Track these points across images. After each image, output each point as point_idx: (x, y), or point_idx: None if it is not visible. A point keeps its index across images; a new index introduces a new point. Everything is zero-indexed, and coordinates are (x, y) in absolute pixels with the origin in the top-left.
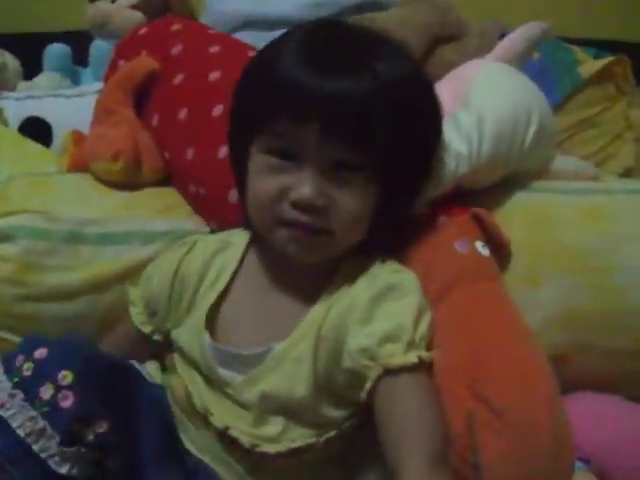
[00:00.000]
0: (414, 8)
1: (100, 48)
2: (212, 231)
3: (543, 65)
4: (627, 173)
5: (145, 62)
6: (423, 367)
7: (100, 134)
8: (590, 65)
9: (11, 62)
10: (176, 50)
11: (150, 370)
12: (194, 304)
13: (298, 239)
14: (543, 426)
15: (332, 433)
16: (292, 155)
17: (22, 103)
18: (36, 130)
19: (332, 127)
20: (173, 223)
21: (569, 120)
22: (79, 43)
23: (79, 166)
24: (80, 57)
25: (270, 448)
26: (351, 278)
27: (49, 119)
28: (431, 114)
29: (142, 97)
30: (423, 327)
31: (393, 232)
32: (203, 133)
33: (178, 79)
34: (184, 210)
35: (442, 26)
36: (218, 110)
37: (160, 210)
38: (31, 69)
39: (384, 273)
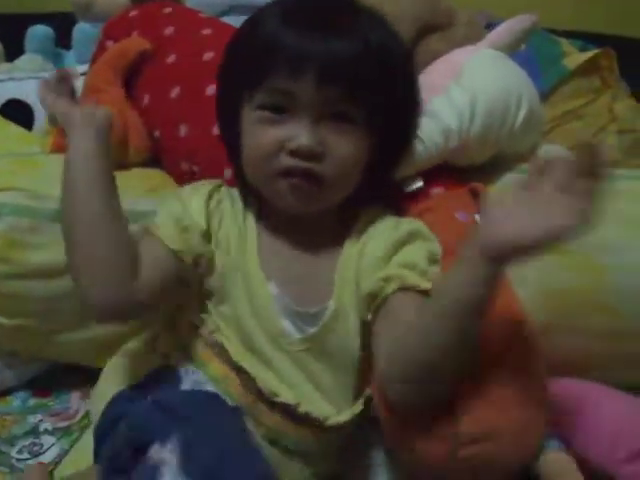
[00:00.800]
0: None
1: (83, 31)
2: None
3: (529, 56)
4: (610, 164)
5: (137, 42)
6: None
7: None
8: (576, 57)
9: None
10: (168, 31)
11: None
12: (229, 247)
13: (297, 187)
14: (519, 376)
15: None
16: (286, 109)
17: (3, 85)
18: (17, 112)
19: (327, 79)
20: (158, 202)
21: (554, 112)
22: (62, 25)
23: (63, 149)
24: (63, 40)
25: (340, 418)
26: (372, 225)
27: (30, 101)
28: (409, 81)
29: (132, 77)
30: (434, 269)
31: (392, 202)
32: (197, 111)
33: (171, 59)
34: (170, 190)
35: (431, 15)
36: (212, 89)
37: (146, 190)
38: (13, 51)
39: (404, 221)
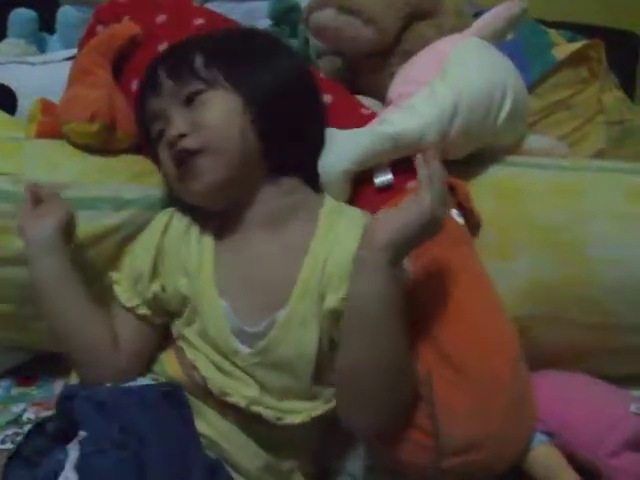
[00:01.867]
0: None
1: (67, 14)
2: None
3: (517, 46)
4: (598, 155)
5: (127, 27)
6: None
7: (76, 94)
8: (564, 48)
9: None
10: (160, 19)
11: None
12: (186, 269)
13: (187, 168)
14: (503, 385)
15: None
16: (163, 128)
17: None
18: (0, 97)
19: (169, 76)
20: (145, 190)
21: (542, 102)
22: (45, 9)
23: (47, 134)
24: (46, 23)
25: (295, 419)
26: (333, 229)
27: (13, 86)
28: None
29: (120, 62)
30: None
31: (366, 197)
32: None
33: (162, 46)
34: (155, 177)
35: (420, 3)
36: None
37: (132, 177)
38: None
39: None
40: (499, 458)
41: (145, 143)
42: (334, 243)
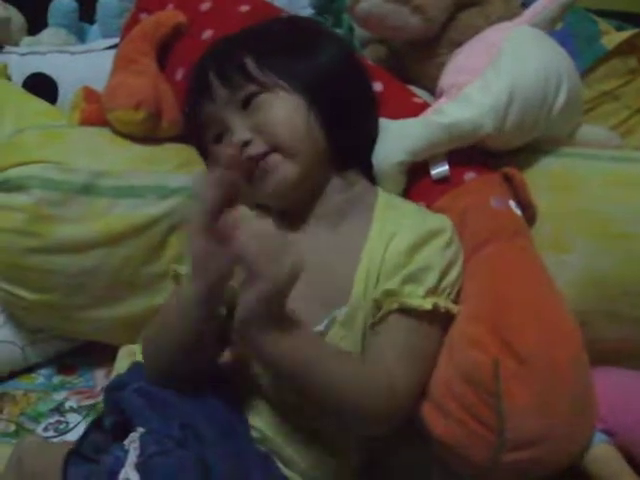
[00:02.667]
0: None
1: (108, 4)
2: None
3: (566, 35)
4: None
5: (172, 15)
6: (437, 316)
7: (121, 82)
8: (614, 37)
9: (15, 16)
10: (205, 7)
11: None
12: None
13: (260, 173)
14: (568, 380)
15: None
16: (222, 134)
17: (26, 59)
18: (41, 86)
19: (221, 83)
20: (189, 179)
21: (590, 92)
22: None
23: (91, 122)
24: (87, 13)
25: None
26: (388, 225)
27: (54, 75)
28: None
29: (164, 50)
30: (448, 280)
31: (422, 189)
32: None
33: (206, 34)
34: (200, 167)
35: None
36: None
37: (177, 166)
38: (36, 24)
39: (432, 216)
40: (560, 455)
41: (198, 145)
42: (389, 239)
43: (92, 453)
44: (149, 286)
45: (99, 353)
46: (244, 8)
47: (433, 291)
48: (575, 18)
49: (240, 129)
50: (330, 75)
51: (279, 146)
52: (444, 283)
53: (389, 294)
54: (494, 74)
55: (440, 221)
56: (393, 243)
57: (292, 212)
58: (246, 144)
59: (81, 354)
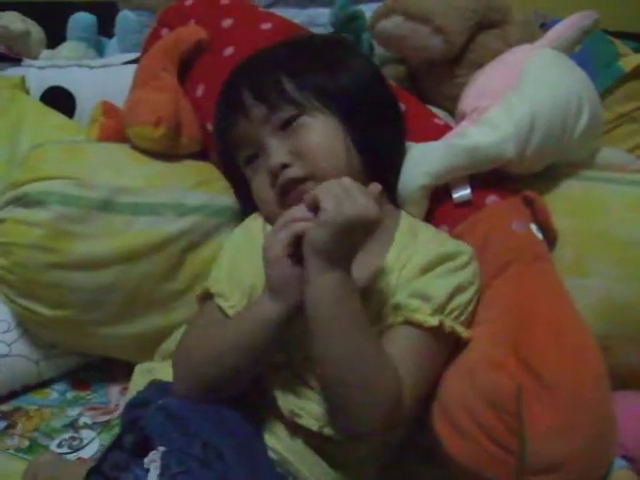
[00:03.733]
0: None
1: (127, 19)
2: None
3: (584, 56)
4: None
5: (194, 31)
6: (442, 335)
7: (142, 98)
8: (632, 59)
9: (34, 30)
10: (226, 23)
11: None
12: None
13: (295, 196)
14: (590, 404)
15: None
16: (257, 152)
17: (45, 72)
18: (59, 100)
19: (255, 102)
20: (208, 197)
21: (608, 114)
22: (104, 13)
23: (109, 137)
24: (105, 27)
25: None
26: (405, 253)
27: (72, 89)
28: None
29: (184, 66)
30: (458, 301)
31: (444, 212)
32: None
33: (228, 51)
34: (219, 184)
35: (487, 12)
36: None
37: (195, 183)
38: (55, 38)
39: (451, 241)
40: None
41: (227, 165)
42: (401, 267)
43: (112, 471)
44: (166, 303)
45: (113, 369)
46: (266, 26)
47: (441, 309)
48: (593, 40)
49: (278, 152)
50: (365, 97)
51: (318, 173)
52: (453, 303)
53: (396, 307)
54: (516, 98)
55: (457, 246)
56: (406, 268)
57: None
58: (284, 167)
59: (95, 370)
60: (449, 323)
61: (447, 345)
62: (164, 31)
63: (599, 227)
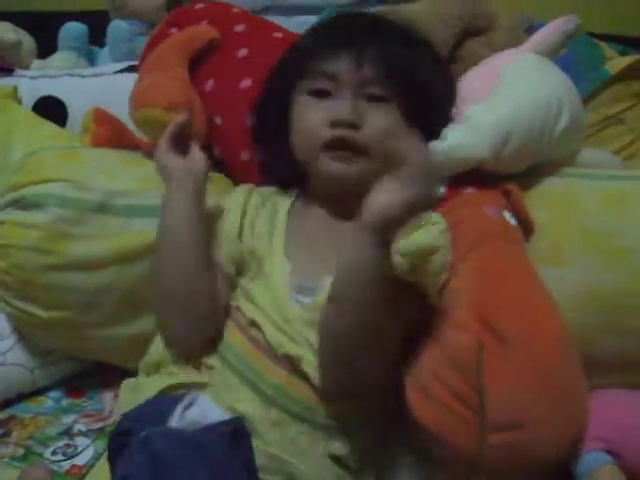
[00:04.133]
0: (445, 0)
1: (118, 28)
2: None
3: (570, 60)
4: None
5: (208, 30)
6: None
7: (155, 83)
8: (618, 62)
9: (26, 40)
10: (239, 28)
11: None
12: (261, 233)
13: (339, 157)
14: (552, 368)
15: None
16: (330, 93)
17: (37, 82)
18: (51, 109)
19: (361, 63)
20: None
21: (594, 117)
22: (95, 23)
23: (102, 144)
24: (96, 37)
25: None
26: None
27: (64, 99)
28: (444, 86)
29: (194, 63)
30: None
31: None
32: None
33: (242, 52)
34: (213, 187)
35: (472, 19)
36: None
37: None
38: (46, 48)
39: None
40: (546, 442)
41: (273, 85)
42: None
43: None
44: None
45: (108, 375)
46: (277, 34)
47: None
48: (579, 43)
49: (357, 109)
50: (441, 108)
51: (370, 151)
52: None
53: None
54: (495, 101)
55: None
56: None
57: (313, 192)
58: (353, 126)
59: (90, 376)
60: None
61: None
62: (173, 30)
63: (576, 220)
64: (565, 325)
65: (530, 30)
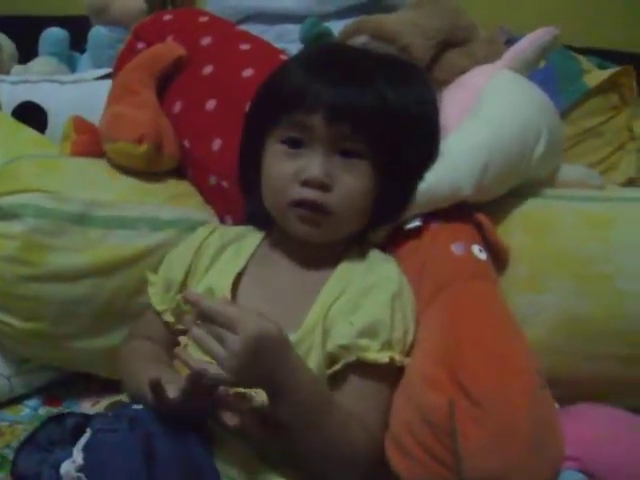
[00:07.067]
0: (425, 11)
1: (99, 34)
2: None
3: (549, 73)
4: (629, 184)
5: (173, 47)
6: (393, 367)
7: (122, 113)
8: (596, 75)
9: (6, 44)
10: (205, 41)
11: None
12: (204, 279)
13: (306, 218)
14: (520, 417)
15: None
16: (302, 143)
17: (17, 87)
18: (31, 115)
19: (335, 117)
20: (182, 212)
21: (572, 129)
22: (76, 28)
23: (82, 153)
24: (77, 43)
25: None
26: (351, 269)
27: (44, 104)
28: (427, 134)
29: (162, 82)
30: (399, 330)
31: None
32: (233, 127)
33: (207, 70)
34: (194, 200)
35: (452, 30)
36: None
37: (170, 198)
38: (26, 53)
39: (377, 266)
40: None
41: (251, 126)
42: (346, 285)
43: (47, 445)
44: (139, 317)
45: (85, 384)
46: (245, 46)
47: (388, 345)
48: (557, 56)
49: (326, 170)
50: (423, 164)
51: (338, 212)
52: (396, 335)
53: (345, 348)
54: (472, 129)
55: (384, 273)
56: (347, 291)
57: (292, 241)
58: (322, 187)
59: (67, 385)
60: (398, 357)
61: (396, 374)
62: (140, 45)
63: (553, 244)
64: (537, 357)
65: (509, 42)
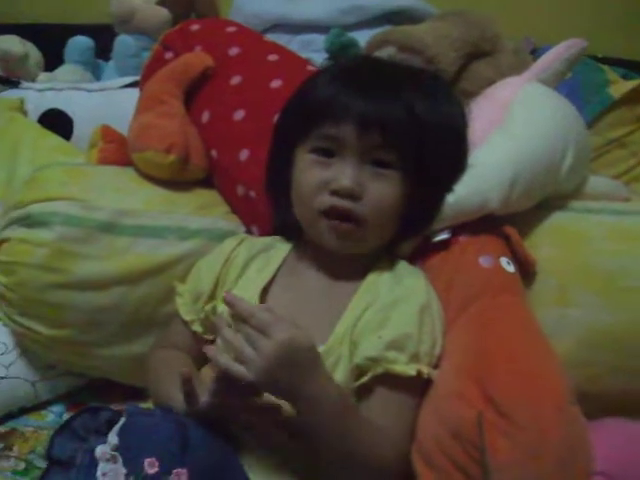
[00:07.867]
0: (451, 23)
1: (124, 43)
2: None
3: (574, 84)
4: None
5: (201, 58)
6: (420, 380)
7: (150, 123)
8: (621, 86)
9: (33, 52)
10: (233, 52)
11: None
12: (233, 289)
13: (335, 228)
14: (551, 431)
15: None
16: (334, 153)
17: (43, 94)
18: (56, 122)
19: (365, 128)
20: (210, 222)
21: (598, 140)
22: (102, 37)
23: (109, 161)
24: (102, 51)
25: None
26: (379, 281)
27: (70, 112)
28: (456, 146)
29: (190, 92)
30: (427, 342)
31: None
32: (261, 137)
33: (235, 80)
34: (221, 209)
35: (479, 42)
36: None
37: (197, 207)
38: (52, 61)
39: (405, 278)
40: None
41: (280, 137)
42: (374, 297)
43: (83, 432)
44: (165, 326)
45: (109, 391)
46: (272, 57)
47: (416, 357)
48: (583, 67)
49: (357, 179)
50: (451, 177)
51: (368, 222)
52: (424, 348)
53: (373, 360)
54: (500, 143)
55: (411, 286)
56: (375, 303)
57: (321, 252)
58: (352, 196)
59: (92, 392)
60: (425, 370)
61: (423, 386)
62: (168, 54)
63: (581, 257)
64: (565, 373)
65: (535, 53)
